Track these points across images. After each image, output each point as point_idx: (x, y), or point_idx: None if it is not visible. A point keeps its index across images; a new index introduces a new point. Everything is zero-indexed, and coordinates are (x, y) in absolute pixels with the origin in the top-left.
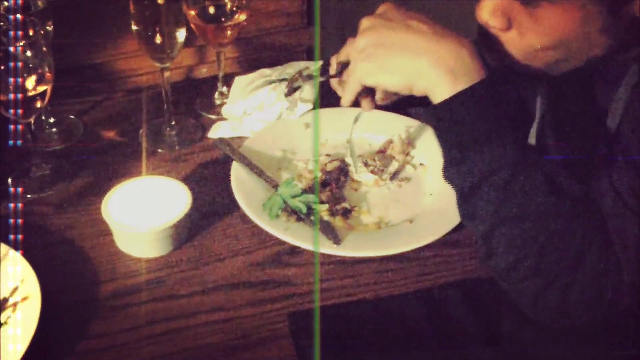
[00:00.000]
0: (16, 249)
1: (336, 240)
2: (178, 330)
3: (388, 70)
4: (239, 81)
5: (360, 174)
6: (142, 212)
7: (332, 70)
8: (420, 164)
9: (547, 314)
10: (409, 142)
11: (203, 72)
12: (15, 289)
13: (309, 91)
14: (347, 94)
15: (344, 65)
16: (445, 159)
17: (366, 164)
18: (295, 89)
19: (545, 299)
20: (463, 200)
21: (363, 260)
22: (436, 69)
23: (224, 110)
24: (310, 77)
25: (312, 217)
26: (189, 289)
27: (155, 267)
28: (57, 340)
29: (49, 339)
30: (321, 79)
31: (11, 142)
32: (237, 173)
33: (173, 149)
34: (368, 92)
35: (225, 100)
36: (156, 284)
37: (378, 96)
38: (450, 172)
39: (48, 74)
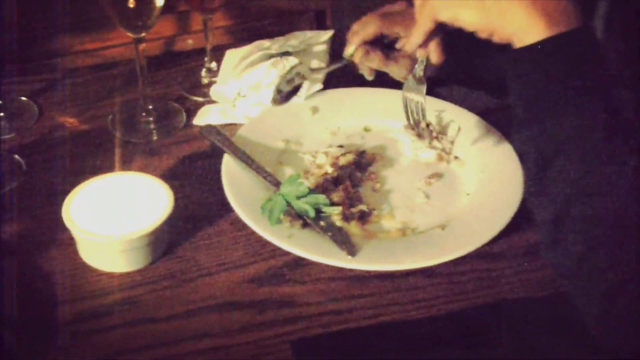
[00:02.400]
0: None
1: (351, 250)
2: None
3: (469, 4)
4: (231, 55)
5: (417, 150)
6: (112, 217)
7: (350, 50)
8: (455, 157)
9: (623, 328)
10: (440, 130)
11: (188, 44)
12: None
13: (317, 67)
14: (415, 35)
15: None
16: (520, 118)
17: (421, 136)
18: (291, 93)
19: (623, 302)
20: (536, 171)
21: (383, 275)
22: (528, 9)
23: (213, 91)
24: (310, 72)
25: (321, 223)
26: (169, 310)
27: (128, 283)
28: None
29: None
30: (334, 67)
31: None
32: (229, 168)
33: (150, 138)
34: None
35: (214, 79)
36: (129, 305)
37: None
38: (524, 135)
39: None
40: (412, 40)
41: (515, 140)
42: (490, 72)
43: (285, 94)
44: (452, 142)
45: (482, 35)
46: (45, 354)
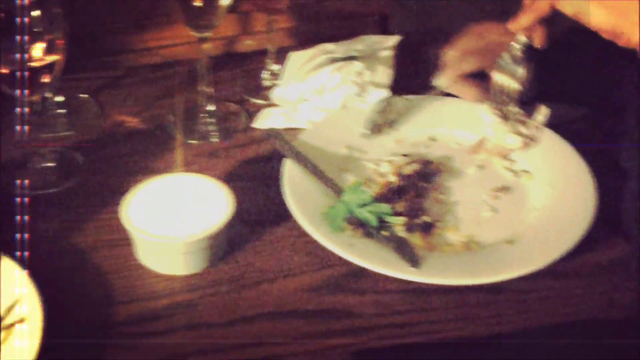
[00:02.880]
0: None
1: (413, 262)
2: None
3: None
4: (295, 58)
5: (503, 134)
6: (170, 218)
7: (443, 81)
8: (524, 171)
9: None
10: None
11: (248, 45)
12: (11, 308)
13: (383, 72)
14: (525, 17)
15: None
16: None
17: (507, 119)
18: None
19: None
20: None
21: (446, 290)
22: None
23: (275, 95)
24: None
25: (383, 232)
26: (226, 316)
27: (185, 287)
28: None
29: None
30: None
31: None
32: (291, 173)
33: (210, 140)
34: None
35: (276, 82)
36: (187, 309)
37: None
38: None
39: (59, 41)
40: (520, 20)
41: (623, 155)
42: (582, 83)
43: (378, 126)
44: (538, 128)
45: (605, 36)
46: (101, 355)
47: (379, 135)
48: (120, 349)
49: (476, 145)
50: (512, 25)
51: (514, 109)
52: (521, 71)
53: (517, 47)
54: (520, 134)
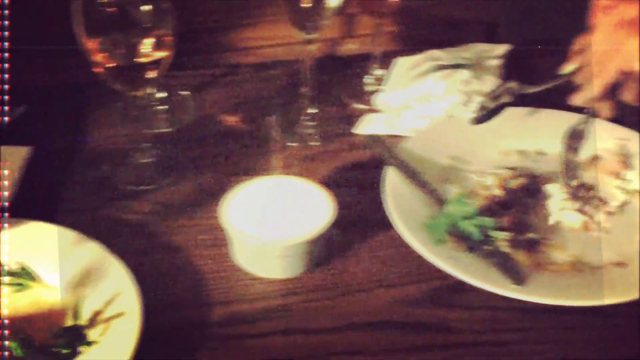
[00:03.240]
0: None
1: (517, 279)
2: None
3: None
4: (401, 64)
5: (563, 211)
6: (269, 221)
7: (570, 67)
8: (637, 191)
9: None
10: (624, 161)
11: (351, 48)
12: (110, 302)
13: (490, 82)
14: (591, 88)
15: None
16: None
17: (574, 196)
18: (494, 112)
19: None
20: None
21: (549, 310)
22: None
23: (378, 100)
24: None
25: (486, 247)
26: (322, 323)
27: (280, 291)
28: None
29: None
30: (547, 85)
31: None
32: (393, 181)
33: (310, 143)
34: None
35: (380, 87)
36: (282, 313)
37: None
38: None
39: (168, 38)
40: (585, 93)
41: None
42: None
43: (488, 112)
44: (609, 214)
45: None
46: (194, 355)
47: (486, 122)
48: (214, 350)
49: (587, 162)
50: (577, 100)
51: (582, 185)
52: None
53: (582, 123)
54: (584, 213)
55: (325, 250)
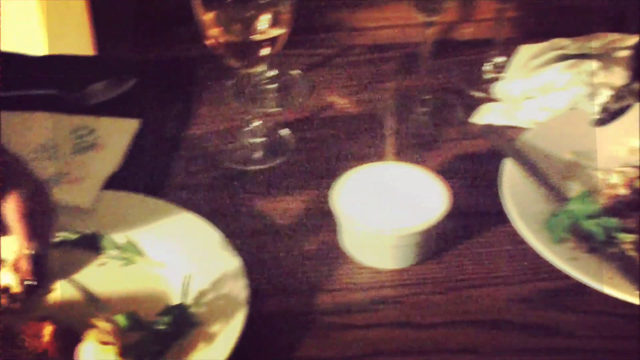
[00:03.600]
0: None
1: None
2: None
3: None
4: (524, 51)
5: None
6: (381, 209)
7: None
8: None
9: None
10: None
11: (469, 33)
12: (216, 282)
13: (619, 74)
14: None
15: None
16: None
17: None
18: (618, 113)
19: None
20: None
21: None
22: None
23: (497, 89)
24: None
25: (611, 249)
26: (432, 318)
27: (389, 282)
28: (259, 356)
29: (250, 350)
30: None
31: None
32: (511, 175)
33: (423, 131)
34: None
35: (500, 75)
36: (390, 305)
37: None
38: None
39: (286, 15)
40: None
41: None
42: None
43: (612, 113)
44: None
45: None
46: (299, 342)
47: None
48: (318, 338)
49: None
50: None
51: None
52: None
53: None
54: None
55: (438, 242)
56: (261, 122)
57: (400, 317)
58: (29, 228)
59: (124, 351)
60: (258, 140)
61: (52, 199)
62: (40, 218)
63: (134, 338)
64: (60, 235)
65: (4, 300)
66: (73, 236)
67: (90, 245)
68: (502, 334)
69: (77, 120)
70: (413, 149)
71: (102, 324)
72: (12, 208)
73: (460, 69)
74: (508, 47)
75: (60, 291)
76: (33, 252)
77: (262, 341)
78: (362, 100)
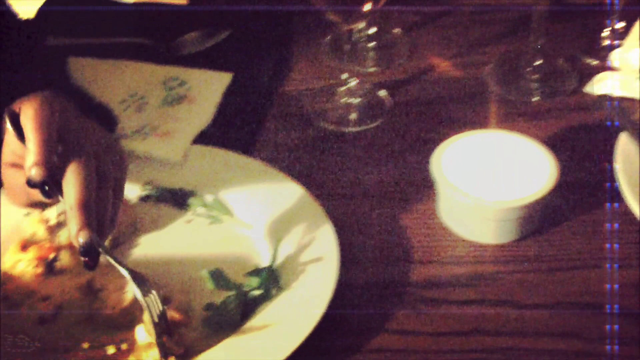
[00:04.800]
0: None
1: None
2: (507, 351)
3: None
4: None
5: None
6: (483, 179)
7: None
8: None
9: None
10: None
11: None
12: (307, 246)
13: None
14: None
15: None
16: None
17: None
18: None
19: None
20: None
21: None
22: None
23: (615, 57)
24: None
25: None
26: (533, 298)
27: (487, 257)
28: (348, 326)
29: (338, 319)
30: None
31: None
32: (626, 150)
33: (531, 99)
34: None
35: (619, 43)
36: (488, 281)
37: None
38: None
39: None
40: None
41: None
42: None
43: None
44: None
45: None
46: (388, 315)
47: None
48: (409, 311)
49: None
50: None
51: None
52: None
53: None
54: None
55: (542, 217)
56: (358, 81)
57: (499, 295)
58: (84, 218)
59: (207, 307)
60: (354, 100)
61: (121, 184)
62: (101, 208)
63: (219, 298)
64: (146, 190)
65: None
66: (160, 191)
67: (177, 201)
68: (608, 320)
69: (168, 71)
70: (520, 117)
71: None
72: (69, 191)
73: (576, 34)
74: (628, 13)
75: (145, 246)
76: (84, 242)
77: (350, 309)
78: (467, 63)
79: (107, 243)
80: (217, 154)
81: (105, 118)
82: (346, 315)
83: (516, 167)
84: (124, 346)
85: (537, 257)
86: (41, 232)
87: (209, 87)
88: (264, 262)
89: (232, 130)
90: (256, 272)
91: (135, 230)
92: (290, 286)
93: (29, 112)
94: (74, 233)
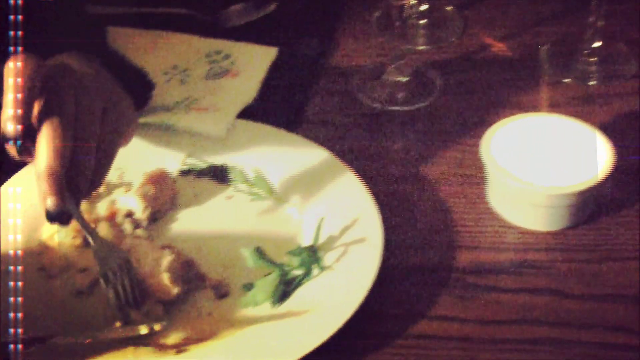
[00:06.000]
0: None
1: None
2: (555, 343)
3: None
4: None
5: None
6: (534, 164)
7: None
8: None
9: None
10: None
11: None
12: (350, 227)
13: None
14: None
15: None
16: None
17: None
18: None
19: None
20: None
21: None
22: None
23: None
24: None
25: None
26: (582, 288)
27: (537, 244)
28: (389, 310)
29: (381, 303)
30: None
31: None
32: None
33: (588, 82)
34: None
35: None
36: (536, 270)
37: None
38: None
39: None
40: None
41: None
42: None
43: None
44: None
45: None
46: (433, 301)
47: None
48: (457, 298)
49: None
50: None
51: None
52: None
53: None
54: None
55: (595, 205)
56: (407, 60)
57: (548, 284)
58: (50, 186)
59: (246, 286)
60: (403, 79)
61: (112, 147)
62: (77, 173)
63: (257, 277)
64: (188, 163)
65: (127, 225)
66: (201, 165)
67: (218, 176)
68: None
69: (212, 44)
70: (575, 101)
71: None
72: (40, 156)
73: (636, 16)
74: None
75: (183, 222)
76: (47, 209)
77: (394, 296)
78: (521, 43)
79: (144, 216)
80: (261, 130)
81: (140, 82)
82: (388, 299)
83: (569, 153)
84: (156, 327)
85: (589, 246)
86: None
87: (254, 62)
88: (306, 242)
89: (277, 106)
90: (298, 251)
91: (175, 205)
92: (332, 267)
93: (11, 65)
94: (40, 198)
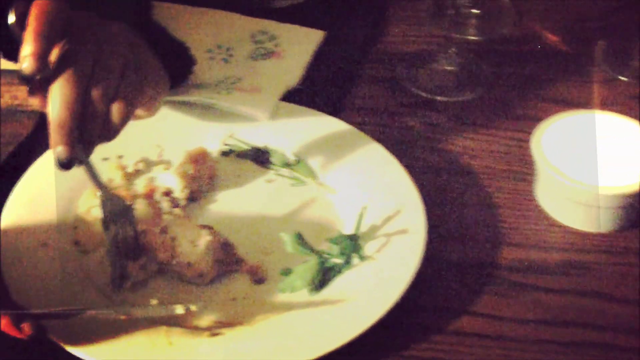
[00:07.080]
0: None
1: None
2: (598, 347)
3: None
4: None
5: None
6: (586, 163)
7: None
8: None
9: None
10: None
11: None
12: (392, 217)
13: None
14: None
15: None
16: None
17: None
18: None
19: None
20: None
21: None
22: None
23: None
24: None
25: None
26: (627, 292)
27: (584, 245)
28: (428, 304)
29: (421, 296)
30: None
31: None
32: None
33: None
34: None
35: None
36: (582, 271)
37: None
38: None
39: None
40: None
41: None
42: None
43: None
44: None
45: None
46: (475, 297)
47: None
48: (499, 296)
49: None
50: None
51: None
52: None
53: None
54: None
55: None
56: (457, 49)
57: (592, 286)
58: (60, 136)
59: (285, 272)
60: (452, 68)
61: (131, 98)
62: (89, 124)
63: (294, 262)
64: (229, 144)
65: (165, 204)
66: (242, 146)
67: (259, 159)
68: None
69: (258, 24)
70: (631, 99)
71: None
72: (52, 105)
73: None
74: None
75: (222, 203)
76: (57, 158)
77: (434, 290)
78: (576, 36)
79: (183, 195)
80: (304, 114)
81: (181, 55)
82: (427, 293)
83: (622, 152)
84: (193, 307)
85: (636, 250)
86: (118, 178)
87: (300, 44)
88: (347, 230)
89: (321, 90)
90: (338, 239)
91: (213, 185)
92: (372, 257)
93: (37, 5)
94: (51, 145)
